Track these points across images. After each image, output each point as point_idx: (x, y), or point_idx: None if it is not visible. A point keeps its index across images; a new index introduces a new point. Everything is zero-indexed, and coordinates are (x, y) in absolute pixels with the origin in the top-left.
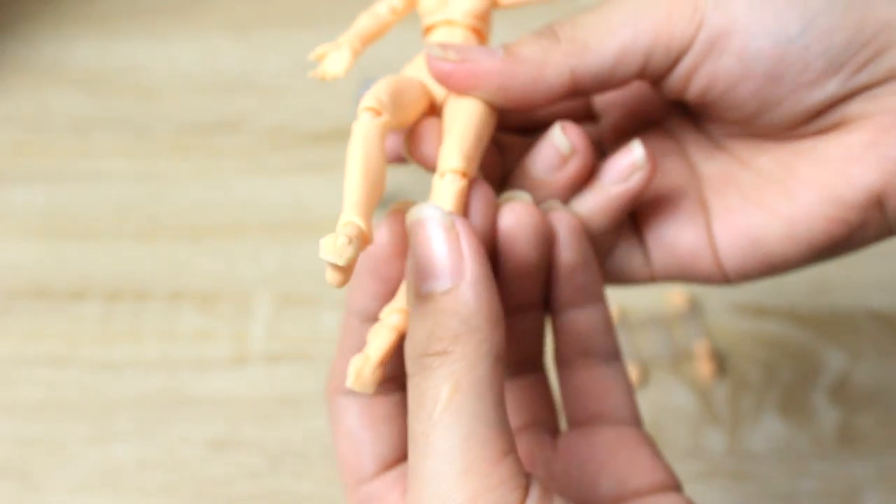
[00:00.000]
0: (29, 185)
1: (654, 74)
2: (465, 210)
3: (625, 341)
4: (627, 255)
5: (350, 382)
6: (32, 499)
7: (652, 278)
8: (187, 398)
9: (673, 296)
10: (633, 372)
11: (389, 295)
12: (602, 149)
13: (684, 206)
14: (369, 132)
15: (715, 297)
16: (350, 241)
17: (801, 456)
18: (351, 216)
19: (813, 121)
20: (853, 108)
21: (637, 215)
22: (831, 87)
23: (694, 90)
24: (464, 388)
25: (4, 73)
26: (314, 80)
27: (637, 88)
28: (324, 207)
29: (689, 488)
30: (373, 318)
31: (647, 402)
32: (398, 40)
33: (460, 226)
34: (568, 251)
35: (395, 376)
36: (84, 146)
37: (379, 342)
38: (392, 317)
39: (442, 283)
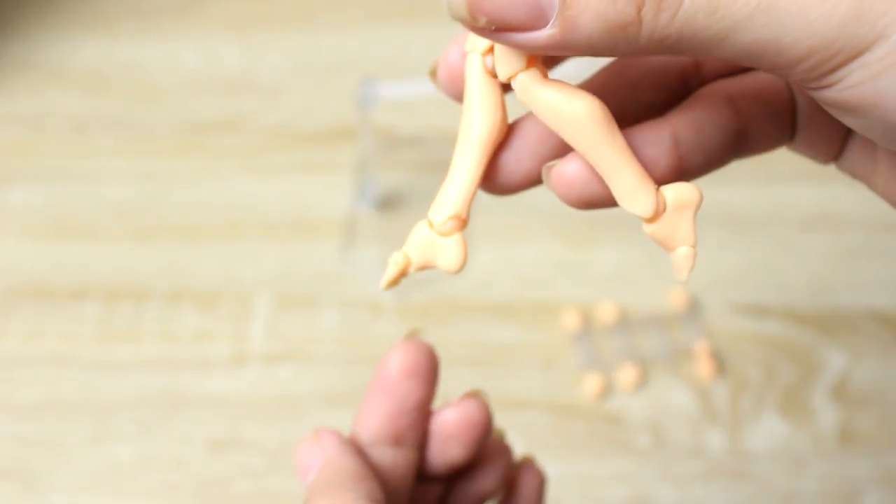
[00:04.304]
0: (29, 185)
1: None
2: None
3: (625, 341)
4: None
5: None
6: (32, 499)
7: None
8: (187, 398)
9: (673, 296)
10: (632, 372)
11: (398, 415)
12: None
13: None
14: None
15: (715, 297)
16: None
17: (801, 456)
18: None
19: None
20: None
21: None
22: None
23: None
24: None
25: (4, 73)
26: (314, 80)
27: None
28: (324, 207)
29: (689, 488)
30: (377, 440)
31: (647, 402)
32: (400, 40)
33: (324, 435)
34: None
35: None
36: (84, 146)
37: None
38: None
39: (308, 477)
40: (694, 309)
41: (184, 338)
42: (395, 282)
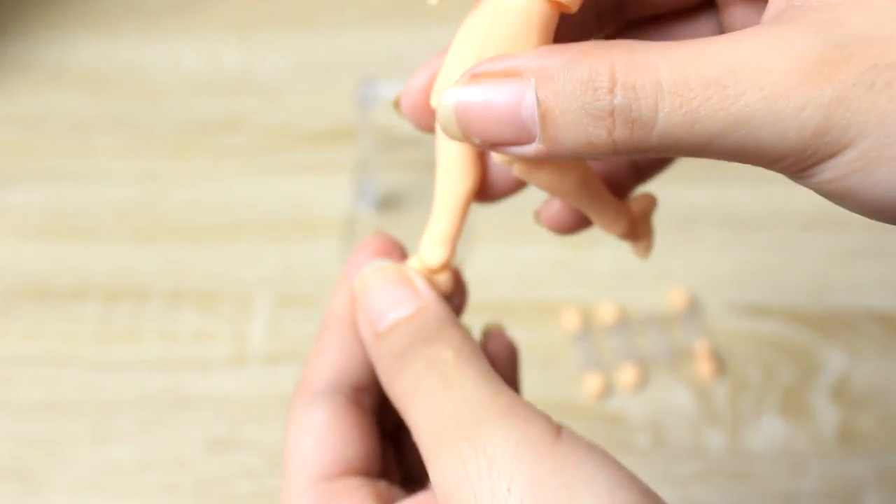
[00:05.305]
0: (29, 185)
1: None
2: None
3: (625, 341)
4: None
5: None
6: (33, 499)
7: None
8: (187, 398)
9: (673, 296)
10: (632, 372)
11: None
12: None
13: None
14: None
15: (715, 297)
16: None
17: (800, 456)
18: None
19: None
20: None
21: None
22: None
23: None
24: (465, 351)
25: (4, 73)
26: (314, 80)
27: None
28: (324, 207)
29: (689, 488)
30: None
31: (647, 402)
32: (400, 40)
33: (407, 269)
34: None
35: (370, 391)
36: (84, 146)
37: None
38: None
39: (404, 309)
40: (694, 309)
41: (184, 338)
42: None
